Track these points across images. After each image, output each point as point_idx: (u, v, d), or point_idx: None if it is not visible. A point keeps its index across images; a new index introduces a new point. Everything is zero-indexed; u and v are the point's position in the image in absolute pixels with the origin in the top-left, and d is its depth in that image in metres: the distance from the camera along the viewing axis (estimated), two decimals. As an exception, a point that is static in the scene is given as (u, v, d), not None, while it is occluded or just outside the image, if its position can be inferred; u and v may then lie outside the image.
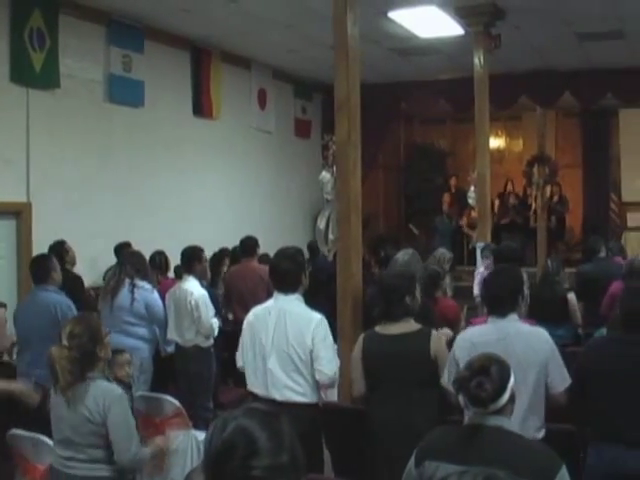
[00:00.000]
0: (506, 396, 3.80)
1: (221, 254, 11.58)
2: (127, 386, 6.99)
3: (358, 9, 8.27)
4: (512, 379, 3.88)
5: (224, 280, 11.28)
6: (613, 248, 12.96)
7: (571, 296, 9.90)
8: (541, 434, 5.25)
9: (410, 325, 5.72)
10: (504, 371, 3.85)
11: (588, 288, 10.42)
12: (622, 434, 5.06)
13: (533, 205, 19.78)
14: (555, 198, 19.92)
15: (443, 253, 10.72)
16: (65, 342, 4.97)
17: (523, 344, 5.23)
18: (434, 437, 3.98)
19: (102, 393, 4.99)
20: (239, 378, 6.60)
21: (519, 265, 7.73)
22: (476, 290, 11.80)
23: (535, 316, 9.36)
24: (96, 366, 5.09)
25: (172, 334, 9.23)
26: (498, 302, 5.44)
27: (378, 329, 5.81)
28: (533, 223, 19.88)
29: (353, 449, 6.19)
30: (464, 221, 19.73)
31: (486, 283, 5.76)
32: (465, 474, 2.49)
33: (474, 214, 16.62)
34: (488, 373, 3.78)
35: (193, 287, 9.18)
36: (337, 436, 6.40)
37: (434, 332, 5.69)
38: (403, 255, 8.11)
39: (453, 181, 21.30)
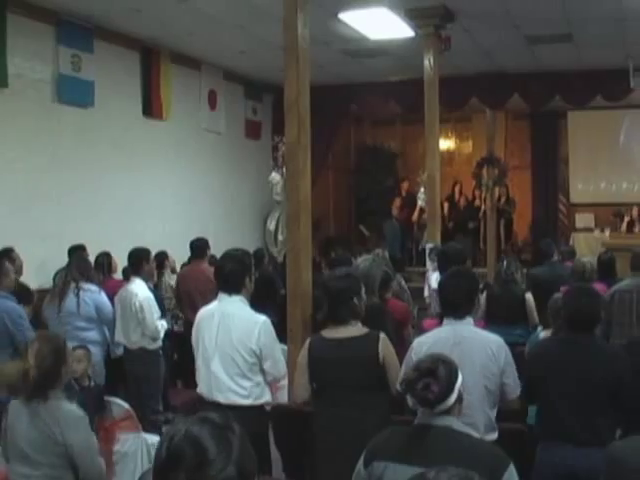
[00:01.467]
0: (453, 397, 3.82)
1: (160, 258, 11.50)
2: (83, 384, 6.98)
3: (308, 10, 8.27)
4: (459, 380, 3.90)
5: (178, 282, 11.27)
6: (565, 252, 13.09)
7: (528, 296, 9.94)
8: (494, 436, 5.30)
9: (357, 329, 5.65)
10: (451, 372, 3.86)
11: (540, 291, 10.48)
12: (570, 433, 5.11)
13: (482, 206, 19.91)
14: (502, 199, 20.06)
15: (378, 253, 10.70)
16: (31, 361, 4.91)
17: (480, 349, 5.28)
18: (383, 438, 3.98)
19: (64, 415, 4.89)
20: (188, 380, 6.58)
21: (463, 265, 7.79)
22: (427, 291, 11.84)
23: (492, 316, 9.47)
24: (59, 385, 5.03)
25: (119, 336, 9.18)
26: (455, 305, 5.48)
27: (324, 333, 5.73)
28: (482, 224, 20.00)
29: (303, 450, 6.18)
30: (415, 217, 19.81)
31: (442, 286, 5.75)
32: (441, 473, 2.48)
33: (424, 215, 16.68)
34: (435, 374, 3.78)
35: (139, 289, 9.14)
36: (287, 438, 6.39)
37: (382, 335, 5.61)
38: (363, 261, 8.08)
39: (405, 185, 21.37)
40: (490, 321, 9.57)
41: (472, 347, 5.27)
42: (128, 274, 9.84)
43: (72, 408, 5.03)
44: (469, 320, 5.47)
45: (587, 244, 20.21)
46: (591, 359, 5.41)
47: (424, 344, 5.47)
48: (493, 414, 5.37)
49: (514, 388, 5.37)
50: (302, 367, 5.70)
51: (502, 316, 9.54)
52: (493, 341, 5.42)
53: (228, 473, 2.39)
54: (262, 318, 6.01)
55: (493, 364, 5.26)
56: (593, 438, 5.04)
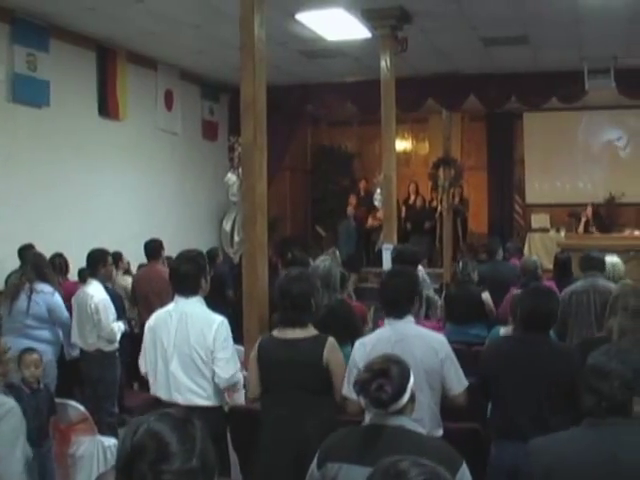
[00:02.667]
0: (406, 396, 3.84)
1: (114, 258, 11.43)
2: (33, 387, 6.91)
3: (265, 10, 8.25)
4: (411, 379, 3.93)
5: (133, 284, 11.22)
6: (510, 248, 13.17)
7: (486, 295, 10.00)
8: (439, 432, 5.36)
9: (308, 331, 5.63)
10: (404, 372, 3.89)
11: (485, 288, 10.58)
12: (522, 431, 5.14)
13: (439, 207, 19.99)
14: (457, 199, 20.16)
15: (333, 251, 10.70)
16: None
17: (420, 346, 5.33)
18: (336, 438, 3.99)
19: None
20: (145, 382, 6.54)
21: (416, 266, 7.82)
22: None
23: (450, 316, 9.51)
24: None
25: (76, 338, 9.12)
26: (395, 304, 5.52)
27: (275, 333, 5.72)
28: (439, 225, 20.10)
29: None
30: (370, 222, 19.85)
31: (382, 285, 5.78)
32: (414, 468, 2.49)
33: (379, 215, 16.72)
34: (388, 375, 3.80)
35: (95, 291, 9.09)
36: (244, 439, 6.37)
37: (330, 339, 5.57)
38: (323, 261, 8.07)
39: (362, 184, 21.42)
40: (449, 321, 9.63)
41: (413, 344, 5.32)
42: (84, 276, 9.76)
43: (4, 400, 4.99)
44: (409, 318, 5.51)
45: (543, 244, 20.37)
46: (544, 358, 5.45)
47: (367, 344, 5.52)
48: (438, 410, 5.42)
49: (456, 384, 5.40)
50: (252, 364, 5.71)
51: (460, 316, 9.60)
52: (434, 338, 5.50)
53: (192, 465, 2.43)
54: (220, 318, 5.99)
55: (434, 360, 5.32)
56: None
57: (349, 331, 6.97)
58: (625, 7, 12.07)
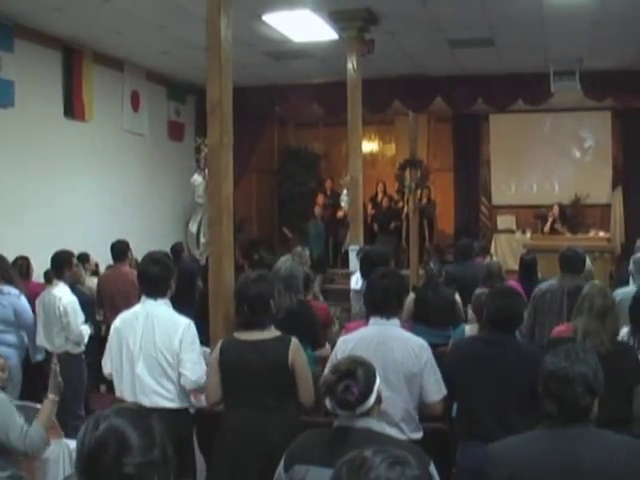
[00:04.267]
0: (373, 398, 3.83)
1: (81, 259, 11.37)
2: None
3: (232, 11, 8.25)
4: (378, 381, 3.92)
5: (99, 285, 11.15)
6: (477, 248, 13.21)
7: (457, 297, 10.01)
8: (419, 435, 5.38)
9: (270, 332, 5.60)
10: (370, 373, 3.88)
11: (456, 288, 10.59)
12: (488, 432, 5.15)
13: (405, 208, 20.04)
14: (424, 201, 20.21)
15: (301, 252, 10.68)
16: None
17: (402, 349, 5.34)
18: (303, 441, 3.99)
19: None
20: (111, 384, 6.49)
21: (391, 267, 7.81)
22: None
23: (422, 319, 9.50)
24: None
25: (41, 341, 9.06)
26: (383, 305, 5.53)
27: (237, 335, 5.68)
28: (405, 226, 20.15)
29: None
30: (339, 215, 19.87)
31: (371, 286, 5.77)
32: (377, 454, 2.48)
33: (345, 215, 16.75)
34: (354, 376, 3.79)
35: (62, 293, 9.03)
36: (210, 441, 6.34)
37: (294, 340, 5.55)
38: (285, 262, 8.04)
39: (329, 184, 21.44)
40: (418, 323, 9.61)
41: (395, 347, 5.33)
42: (50, 278, 9.70)
43: None
44: (396, 321, 5.55)
45: (509, 245, 20.51)
46: (510, 359, 5.46)
47: (349, 342, 5.53)
48: (416, 414, 5.42)
49: (434, 392, 5.40)
50: (214, 367, 5.64)
51: (432, 318, 9.57)
52: (416, 342, 5.48)
53: (153, 457, 2.49)
54: (186, 321, 5.98)
55: (414, 365, 5.32)
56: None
57: (308, 334, 6.94)
58: (589, 10, 12.15)
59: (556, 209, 20.07)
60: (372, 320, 5.59)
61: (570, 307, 8.11)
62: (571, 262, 8.56)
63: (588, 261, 9.47)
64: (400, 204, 20.75)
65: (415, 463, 2.52)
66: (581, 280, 8.45)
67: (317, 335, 7.26)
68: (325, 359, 6.15)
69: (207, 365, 5.87)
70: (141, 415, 2.59)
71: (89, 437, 2.50)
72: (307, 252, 10.87)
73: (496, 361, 5.47)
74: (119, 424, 2.51)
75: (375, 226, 20.27)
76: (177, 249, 13.19)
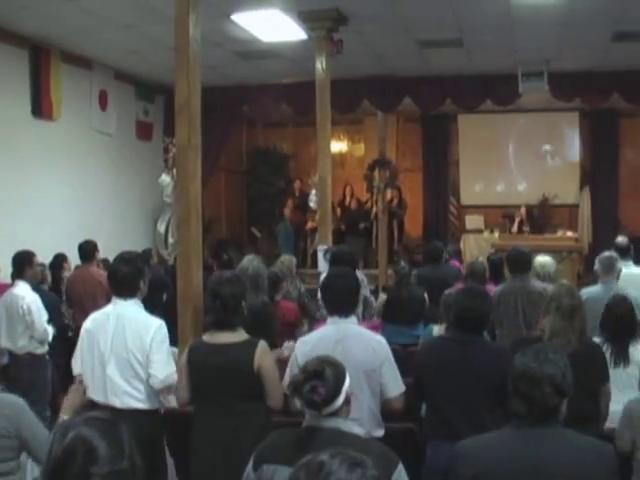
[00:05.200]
0: (341, 398, 3.83)
1: (58, 260, 11.31)
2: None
3: (201, 11, 8.21)
4: (347, 381, 3.92)
5: (67, 286, 11.08)
6: (450, 251, 13.24)
7: (426, 296, 10.04)
8: (380, 432, 5.42)
9: (239, 334, 5.60)
10: (338, 374, 3.88)
11: (427, 290, 10.62)
12: (457, 432, 5.17)
13: (374, 209, 20.06)
14: (394, 201, 20.25)
15: (289, 259, 10.73)
16: None
17: (361, 347, 5.38)
18: (272, 441, 3.98)
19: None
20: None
21: (354, 268, 7.82)
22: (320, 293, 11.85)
23: (392, 318, 9.52)
24: None
25: (4, 342, 9.00)
26: (339, 304, 5.57)
27: (205, 337, 5.69)
28: (374, 226, 20.16)
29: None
30: (309, 226, 19.86)
31: (326, 285, 5.79)
32: (334, 458, 2.47)
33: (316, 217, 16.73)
34: (322, 376, 3.79)
35: (24, 292, 9.01)
36: (180, 442, 6.33)
37: (261, 343, 5.55)
38: (251, 261, 8.01)
39: (297, 184, 21.44)
40: (390, 322, 9.64)
41: (354, 344, 5.37)
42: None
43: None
44: (353, 319, 5.60)
45: (477, 245, 20.58)
46: (477, 358, 5.51)
47: (308, 343, 5.57)
48: (378, 410, 5.46)
49: (393, 387, 5.45)
50: (183, 371, 5.66)
51: (404, 318, 9.61)
52: (374, 339, 5.56)
53: (122, 467, 2.48)
54: (158, 322, 5.98)
55: (374, 361, 5.37)
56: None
57: (265, 335, 6.94)
58: (557, 12, 12.22)
59: (523, 210, 20.17)
60: (330, 319, 5.62)
61: (523, 306, 8.21)
62: (517, 262, 8.63)
63: (550, 260, 9.53)
64: (369, 204, 20.76)
65: (372, 463, 2.51)
66: (529, 279, 8.54)
67: (272, 337, 7.25)
68: (279, 360, 6.18)
69: (176, 365, 5.88)
70: (110, 425, 2.58)
71: (57, 446, 2.49)
72: (294, 259, 10.92)
73: (464, 360, 5.50)
74: (87, 433, 2.50)
75: (343, 227, 20.26)
76: (146, 254, 13.14)
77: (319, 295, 10.55)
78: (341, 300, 5.59)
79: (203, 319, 7.74)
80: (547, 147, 22.25)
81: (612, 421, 6.01)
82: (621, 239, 11.24)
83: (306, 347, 5.46)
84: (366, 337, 5.53)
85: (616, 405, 5.88)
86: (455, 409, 5.45)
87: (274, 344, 7.21)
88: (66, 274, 11.36)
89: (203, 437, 5.46)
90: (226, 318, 5.59)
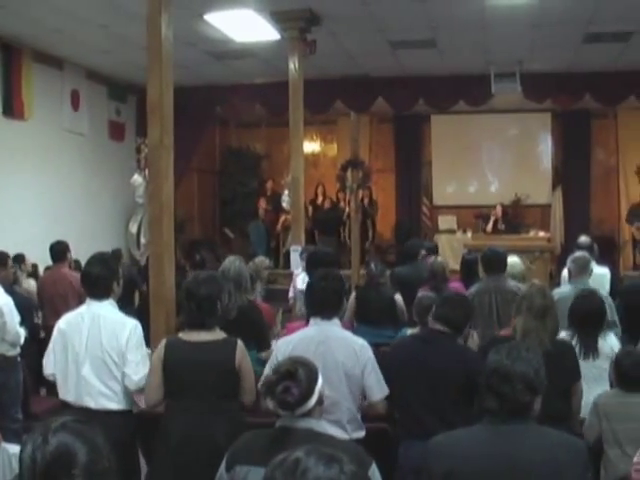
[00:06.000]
0: (314, 399, 3.82)
1: (17, 260, 11.23)
2: None
3: (173, 10, 8.21)
4: (320, 382, 3.91)
5: (39, 287, 11.02)
6: (428, 248, 13.26)
7: (398, 297, 10.03)
8: (361, 434, 5.44)
9: (216, 333, 5.58)
10: (311, 374, 3.87)
11: (403, 290, 10.62)
12: (428, 431, 5.19)
13: (346, 209, 20.07)
14: (366, 201, 20.27)
15: (262, 260, 10.70)
16: None
17: (343, 349, 5.37)
18: (245, 441, 3.97)
19: None
20: (52, 387, 6.43)
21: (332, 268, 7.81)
22: (291, 292, 11.81)
23: (362, 318, 9.52)
24: None
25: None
26: (324, 306, 5.56)
27: (182, 335, 5.65)
28: (347, 227, 20.18)
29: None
30: (279, 227, 19.85)
31: (311, 287, 5.80)
32: (310, 455, 2.47)
33: (288, 217, 16.74)
34: (295, 377, 3.78)
35: (-3, 294, 8.91)
36: (151, 443, 6.30)
37: (240, 343, 5.54)
38: (233, 262, 7.96)
39: (270, 184, 21.42)
40: (360, 322, 9.65)
41: (336, 346, 5.37)
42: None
43: None
44: (336, 321, 5.58)
45: (450, 245, 20.60)
46: (447, 357, 5.56)
47: (289, 343, 5.55)
48: (359, 412, 5.46)
49: (376, 390, 5.44)
50: (156, 368, 5.59)
51: (373, 318, 9.62)
52: (357, 342, 5.52)
53: (103, 466, 2.50)
54: (133, 322, 5.96)
55: (355, 364, 5.36)
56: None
57: (256, 335, 6.93)
58: (529, 13, 12.28)
59: (499, 209, 20.19)
60: (312, 321, 5.62)
61: (497, 305, 8.24)
62: (492, 262, 8.64)
63: (518, 260, 9.57)
64: (342, 204, 20.77)
65: (348, 458, 2.51)
66: (504, 279, 8.57)
67: (265, 336, 7.25)
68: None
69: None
70: (88, 429, 2.57)
71: (42, 452, 2.47)
72: (267, 261, 10.88)
73: (430, 359, 5.56)
74: (65, 439, 2.49)
75: (316, 227, 20.26)
76: (116, 255, 13.09)
77: (290, 295, 10.58)
78: (323, 302, 5.58)
79: (176, 319, 7.72)
80: (519, 147, 22.31)
81: (585, 412, 6.08)
82: (584, 239, 11.30)
83: (287, 347, 5.45)
84: (348, 340, 5.53)
85: (587, 397, 5.95)
86: (424, 408, 5.51)
87: (267, 344, 7.21)
88: (24, 275, 11.30)
89: (177, 435, 5.42)
90: (201, 318, 5.57)
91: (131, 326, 5.90)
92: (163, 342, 5.74)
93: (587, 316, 6.80)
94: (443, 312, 5.83)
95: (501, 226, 19.85)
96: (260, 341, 7.04)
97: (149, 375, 5.67)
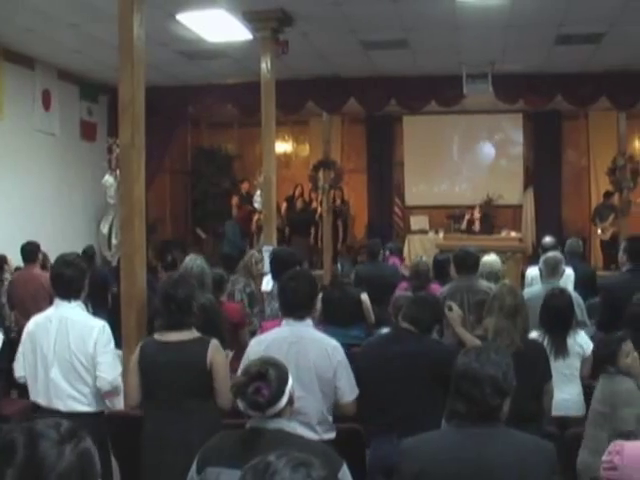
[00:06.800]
0: (284, 399, 3.83)
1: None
2: None
3: (145, 10, 8.19)
4: (290, 382, 3.92)
5: (9, 288, 10.94)
6: (391, 248, 13.31)
7: (364, 297, 10.06)
8: (332, 435, 5.43)
9: (190, 333, 5.59)
10: (281, 375, 3.88)
11: (365, 288, 10.67)
12: (395, 428, 5.22)
13: (319, 209, 20.08)
14: (337, 202, 20.28)
15: (252, 255, 10.66)
16: None
17: (315, 350, 5.37)
18: (215, 442, 3.96)
19: None
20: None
21: (302, 267, 7.83)
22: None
23: (330, 318, 9.54)
24: None
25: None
26: (296, 306, 5.55)
27: (157, 336, 5.67)
28: (320, 227, 20.18)
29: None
30: (253, 226, 19.80)
31: (282, 288, 5.78)
32: (280, 458, 2.49)
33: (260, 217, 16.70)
34: (265, 378, 3.79)
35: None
36: (125, 445, 6.28)
37: (213, 341, 5.56)
38: (194, 260, 7.95)
39: (245, 185, 21.36)
40: (328, 323, 9.67)
41: (308, 347, 5.37)
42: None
43: None
44: (309, 322, 5.57)
45: (422, 246, 20.63)
46: (416, 354, 5.60)
47: (262, 343, 5.55)
48: (329, 414, 5.46)
49: (347, 392, 5.45)
50: (133, 369, 5.62)
51: (340, 317, 9.64)
52: (329, 343, 5.53)
53: (68, 466, 2.41)
54: (100, 323, 5.95)
55: (328, 365, 5.36)
56: (419, 432, 5.16)
57: (217, 334, 6.91)
58: (501, 14, 12.32)
59: (477, 210, 20.18)
60: (285, 321, 5.60)
61: (469, 305, 8.28)
62: (464, 262, 8.67)
63: (498, 261, 9.60)
64: (314, 205, 20.77)
65: (319, 464, 2.53)
66: (476, 279, 8.60)
67: (223, 337, 7.23)
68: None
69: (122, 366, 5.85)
70: (73, 432, 2.51)
71: (7, 458, 2.43)
72: (257, 254, 10.83)
73: (399, 357, 5.60)
74: (35, 444, 2.41)
75: (287, 228, 20.26)
76: (89, 253, 13.01)
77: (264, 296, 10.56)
78: (296, 303, 5.56)
79: (147, 320, 7.69)
80: (491, 148, 22.41)
81: (558, 409, 6.13)
82: (548, 239, 11.37)
83: (260, 347, 5.44)
84: (321, 341, 5.53)
85: (557, 395, 6.03)
86: (395, 407, 5.54)
87: (226, 342, 7.21)
88: (7, 276, 11.23)
89: (153, 436, 5.43)
90: (180, 319, 5.59)
91: (99, 328, 5.89)
92: (140, 343, 5.78)
93: (556, 315, 6.84)
94: (410, 312, 5.87)
95: (476, 227, 19.88)
96: (220, 341, 7.05)
97: (127, 377, 5.69)
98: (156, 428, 5.44)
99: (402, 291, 9.59)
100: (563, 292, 7.16)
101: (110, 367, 5.83)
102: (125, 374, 5.94)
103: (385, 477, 5.15)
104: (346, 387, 5.43)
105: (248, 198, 20.64)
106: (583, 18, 12.60)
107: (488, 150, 22.45)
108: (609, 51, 14.64)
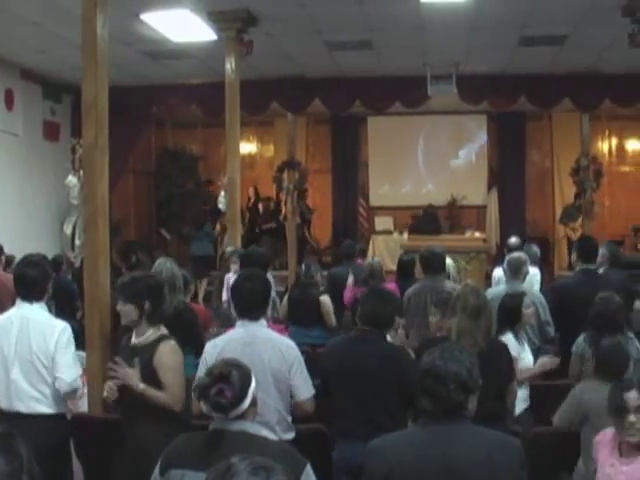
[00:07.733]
0: (247, 401, 3.82)
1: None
2: None
3: (109, 10, 8.11)
4: (253, 384, 3.91)
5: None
6: (357, 249, 13.35)
7: (324, 298, 10.09)
8: (291, 435, 5.46)
9: (152, 333, 5.53)
10: (244, 376, 3.87)
11: (336, 289, 10.69)
12: (357, 430, 5.24)
13: (283, 210, 20.07)
14: (301, 203, 20.29)
15: (233, 250, 10.70)
16: None
17: (270, 350, 5.39)
18: (178, 444, 3.94)
19: None
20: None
21: (266, 269, 7.83)
22: (225, 295, 11.80)
23: (290, 318, 9.58)
24: None
25: None
26: (249, 306, 5.56)
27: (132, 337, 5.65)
28: (285, 228, 20.18)
29: (105, 460, 6.05)
30: (217, 228, 19.77)
31: (235, 288, 5.77)
32: (242, 461, 2.53)
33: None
34: (228, 379, 3.78)
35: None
36: (88, 447, 6.25)
37: (163, 342, 5.46)
38: (163, 264, 7.86)
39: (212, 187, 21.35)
40: (292, 323, 9.71)
41: (263, 347, 5.39)
42: None
43: None
44: (263, 322, 5.60)
45: (386, 246, 20.68)
46: (378, 359, 5.60)
47: (217, 345, 5.56)
48: (287, 413, 5.49)
49: (303, 390, 5.48)
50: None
51: (301, 318, 9.70)
52: (284, 342, 5.58)
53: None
54: (62, 324, 5.92)
55: (283, 365, 5.40)
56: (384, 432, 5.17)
57: (193, 338, 6.87)
58: (466, 15, 12.37)
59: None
60: (239, 322, 5.62)
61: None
62: (430, 263, 8.68)
63: (450, 262, 9.63)
64: (279, 206, 20.76)
65: (281, 469, 2.56)
66: (443, 279, 8.63)
67: (201, 340, 7.20)
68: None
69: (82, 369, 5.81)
70: (6, 439, 2.49)
71: None
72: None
73: (366, 360, 5.60)
74: None
75: (253, 228, 20.25)
76: (57, 261, 12.92)
77: (224, 297, 10.57)
78: (249, 303, 5.57)
79: (111, 321, 7.63)
80: (456, 149, 22.50)
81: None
82: (514, 240, 11.45)
83: (215, 349, 5.46)
84: (275, 340, 5.55)
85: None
86: (359, 408, 5.55)
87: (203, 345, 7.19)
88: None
89: (114, 439, 5.43)
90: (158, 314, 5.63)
91: (60, 328, 5.87)
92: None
93: (607, 319, 6.68)
94: (364, 313, 5.86)
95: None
96: (198, 345, 7.01)
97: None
98: (124, 432, 5.42)
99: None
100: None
101: (69, 368, 5.80)
102: (93, 375, 5.90)
103: (351, 477, 5.16)
104: (302, 385, 5.46)
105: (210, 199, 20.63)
106: (547, 20, 12.67)
107: (452, 151, 22.51)
108: (572, 53, 14.74)
